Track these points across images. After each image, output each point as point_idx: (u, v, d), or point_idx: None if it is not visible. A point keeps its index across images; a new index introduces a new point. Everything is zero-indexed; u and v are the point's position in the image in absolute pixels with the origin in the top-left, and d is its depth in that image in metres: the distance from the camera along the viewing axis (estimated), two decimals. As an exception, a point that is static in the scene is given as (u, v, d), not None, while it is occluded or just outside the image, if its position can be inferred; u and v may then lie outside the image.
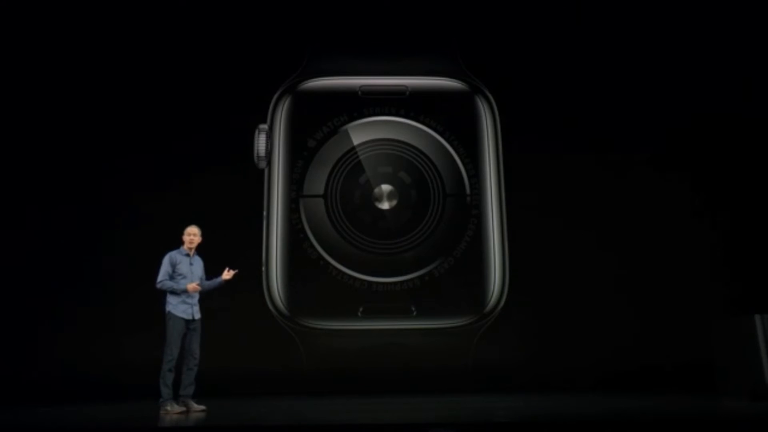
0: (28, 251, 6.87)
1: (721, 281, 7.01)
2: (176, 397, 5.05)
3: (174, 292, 5.11)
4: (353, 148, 7.23)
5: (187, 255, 5.27)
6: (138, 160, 7.14)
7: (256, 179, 7.06)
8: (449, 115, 7.29)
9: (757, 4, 7.39)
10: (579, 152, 7.27)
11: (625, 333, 6.81)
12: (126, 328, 6.59)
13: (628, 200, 7.20)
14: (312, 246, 6.99)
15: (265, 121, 7.14)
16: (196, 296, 5.22)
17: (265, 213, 7.01)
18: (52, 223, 6.94)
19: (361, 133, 7.26)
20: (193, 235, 5.29)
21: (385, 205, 7.16)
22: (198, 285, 5.17)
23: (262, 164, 7.05)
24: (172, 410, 4.92)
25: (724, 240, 7.15)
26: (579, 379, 6.57)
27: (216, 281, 5.31)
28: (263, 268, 6.89)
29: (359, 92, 7.34)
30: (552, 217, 7.12)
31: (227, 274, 5.31)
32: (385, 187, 7.19)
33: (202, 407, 5.07)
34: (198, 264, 5.33)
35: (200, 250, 5.39)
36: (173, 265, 5.18)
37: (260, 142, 7.02)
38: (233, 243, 6.80)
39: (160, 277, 5.14)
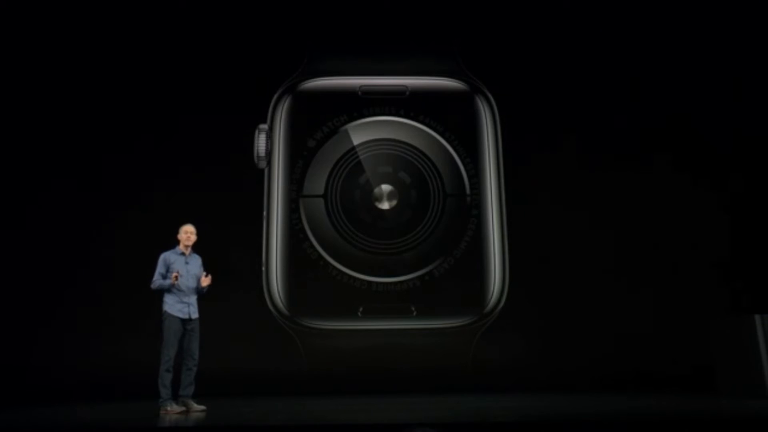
0: (27, 251, 6.86)
1: (721, 281, 7.01)
2: (176, 397, 5.04)
3: (169, 291, 5.10)
4: (353, 148, 7.23)
5: (182, 254, 5.25)
6: (137, 160, 7.13)
7: (256, 179, 7.06)
8: (449, 115, 7.29)
9: (757, 6, 7.39)
10: (579, 152, 7.27)
11: (624, 333, 6.81)
12: (125, 328, 6.58)
13: (628, 200, 7.19)
14: (312, 246, 6.99)
15: (265, 121, 7.14)
16: (193, 296, 5.19)
17: (265, 213, 7.01)
18: (51, 223, 6.93)
19: (361, 133, 7.26)
20: (189, 233, 5.26)
21: (385, 205, 7.16)
22: (178, 274, 5.07)
23: (262, 164, 7.05)
24: (171, 410, 4.93)
25: (724, 240, 7.14)
26: (579, 379, 6.57)
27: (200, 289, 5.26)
28: (263, 268, 6.89)
29: (359, 92, 7.33)
30: (552, 217, 7.12)
31: (205, 280, 5.22)
32: (385, 187, 7.19)
33: (202, 407, 5.07)
34: (194, 262, 5.30)
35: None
36: (168, 265, 5.17)
37: (260, 142, 7.02)
38: (233, 243, 6.82)
39: (153, 278, 5.14)
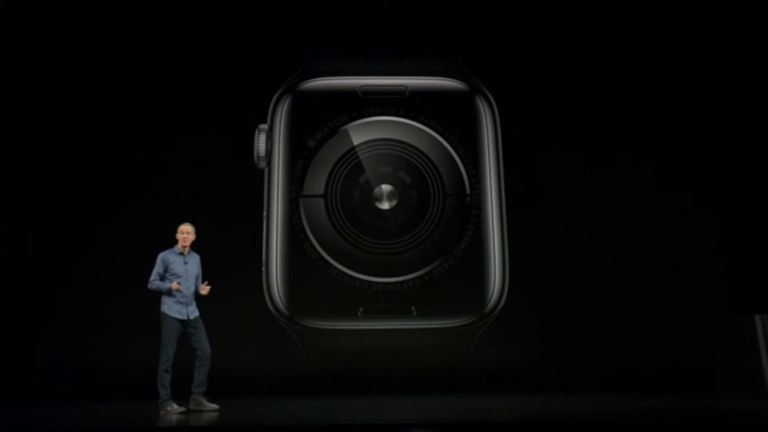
0: (28, 252, 6.87)
1: (721, 281, 7.01)
2: (175, 397, 5.03)
3: (167, 292, 5.08)
4: (353, 148, 7.22)
5: (181, 254, 5.22)
6: (138, 160, 7.14)
7: (256, 179, 7.06)
8: (449, 115, 7.29)
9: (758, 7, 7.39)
10: (579, 152, 7.27)
11: (624, 333, 6.81)
12: (125, 328, 6.59)
13: (628, 200, 7.19)
14: (312, 246, 6.99)
15: (265, 121, 7.14)
16: (191, 296, 5.17)
17: (265, 213, 7.01)
18: (51, 224, 6.93)
19: (361, 133, 7.26)
20: (186, 233, 5.22)
21: (385, 205, 7.16)
22: (178, 284, 5.05)
23: (262, 164, 7.05)
24: (171, 410, 4.92)
25: (723, 240, 7.14)
26: (579, 379, 6.57)
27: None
28: (263, 268, 6.89)
29: (359, 92, 7.33)
30: (552, 217, 7.12)
31: (205, 289, 5.21)
32: (385, 187, 7.19)
33: (215, 406, 5.04)
34: (193, 262, 5.27)
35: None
36: (166, 265, 5.14)
37: (260, 142, 7.02)
38: (233, 243, 6.82)
39: (150, 278, 5.11)
